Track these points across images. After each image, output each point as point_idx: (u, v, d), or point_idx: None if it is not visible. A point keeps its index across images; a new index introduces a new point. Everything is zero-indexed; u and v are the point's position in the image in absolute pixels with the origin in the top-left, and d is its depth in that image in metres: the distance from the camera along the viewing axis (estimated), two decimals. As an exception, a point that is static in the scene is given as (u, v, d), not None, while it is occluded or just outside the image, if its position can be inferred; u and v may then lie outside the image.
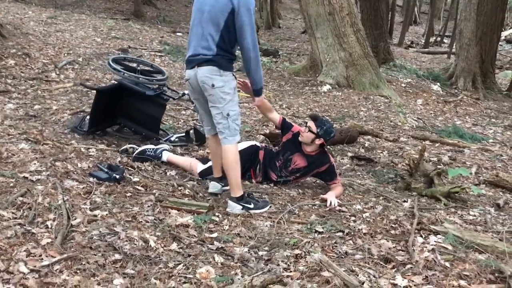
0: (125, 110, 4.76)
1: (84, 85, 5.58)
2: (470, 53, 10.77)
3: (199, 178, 3.96)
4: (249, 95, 4.30)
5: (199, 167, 4.01)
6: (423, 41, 20.60)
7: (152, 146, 4.26)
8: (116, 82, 4.79)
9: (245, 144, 4.12)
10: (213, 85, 3.27)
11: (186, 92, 4.37)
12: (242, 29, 3.21)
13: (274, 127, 4.67)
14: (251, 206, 3.43)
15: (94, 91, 4.90)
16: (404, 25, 20.53)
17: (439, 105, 8.95)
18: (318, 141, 3.91)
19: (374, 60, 9.01)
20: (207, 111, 3.49)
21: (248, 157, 3.98)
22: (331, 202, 3.62)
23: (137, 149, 4.20)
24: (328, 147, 4.11)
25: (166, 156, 4.15)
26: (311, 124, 3.91)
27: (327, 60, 8.73)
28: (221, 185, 3.69)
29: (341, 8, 8.43)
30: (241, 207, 3.40)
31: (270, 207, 3.52)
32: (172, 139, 4.76)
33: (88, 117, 4.65)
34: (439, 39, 22.18)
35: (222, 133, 3.38)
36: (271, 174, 4.05)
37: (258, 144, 4.22)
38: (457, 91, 10.47)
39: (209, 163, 3.97)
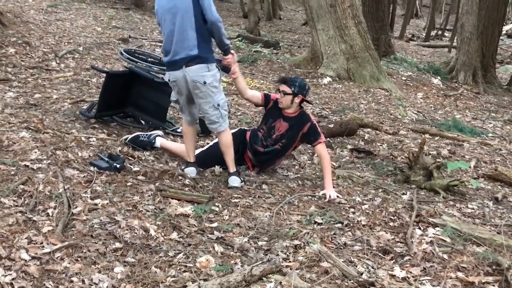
0: (133, 99, 4.82)
1: (95, 67, 5.61)
2: (471, 47, 10.74)
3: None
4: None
5: None
6: (424, 34, 20.52)
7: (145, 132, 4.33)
8: (126, 69, 4.84)
9: (233, 130, 4.21)
10: (205, 83, 3.50)
11: None
12: (205, 6, 3.42)
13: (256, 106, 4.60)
14: (242, 179, 3.79)
15: (96, 83, 4.90)
16: (405, 18, 20.46)
17: (439, 99, 8.95)
18: (297, 99, 3.89)
19: (375, 52, 8.98)
20: (189, 104, 3.72)
21: (237, 140, 4.01)
22: (330, 196, 3.64)
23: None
24: (319, 127, 4.06)
25: (159, 141, 4.20)
26: (283, 87, 3.90)
27: (328, 52, 8.71)
28: (197, 169, 3.83)
29: (342, 0, 8.40)
30: (240, 180, 3.72)
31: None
32: (179, 130, 4.79)
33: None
34: (440, 32, 22.09)
35: (216, 122, 3.65)
36: (257, 148, 4.03)
37: (246, 128, 4.32)
38: (458, 85, 10.46)
39: (199, 149, 4.08)
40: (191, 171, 3.78)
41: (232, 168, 3.76)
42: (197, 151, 4.04)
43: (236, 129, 4.24)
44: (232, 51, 3.75)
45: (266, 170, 4.14)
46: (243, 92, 4.02)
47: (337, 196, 3.64)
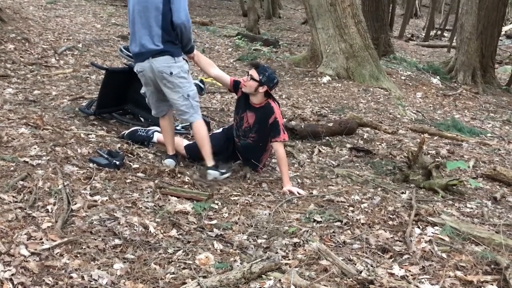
0: (133, 96, 4.82)
1: (94, 64, 5.60)
2: (470, 47, 10.75)
3: (186, 156, 4.05)
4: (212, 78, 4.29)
5: (184, 142, 4.11)
6: (424, 34, 20.53)
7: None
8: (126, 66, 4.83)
9: (220, 129, 4.34)
10: (171, 73, 3.57)
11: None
12: (174, 7, 3.46)
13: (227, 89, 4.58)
14: (224, 170, 3.76)
15: (96, 80, 4.89)
16: (404, 17, 20.46)
17: (438, 99, 8.96)
18: (261, 89, 3.82)
19: (375, 52, 8.98)
20: (157, 97, 3.80)
21: (224, 138, 4.11)
22: (291, 191, 3.67)
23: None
24: (275, 99, 4.00)
25: (156, 136, 4.21)
26: (252, 72, 3.82)
27: (328, 51, 8.71)
28: (176, 160, 3.89)
29: (342, -1, 8.40)
30: (219, 173, 3.70)
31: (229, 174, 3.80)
32: (178, 128, 4.79)
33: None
34: (439, 32, 22.12)
35: (187, 113, 3.71)
36: (234, 139, 4.07)
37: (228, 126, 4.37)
38: (457, 85, 10.47)
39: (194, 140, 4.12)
40: (170, 163, 3.82)
41: (209, 162, 3.73)
42: (192, 141, 4.10)
43: (220, 129, 4.29)
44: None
45: (258, 170, 4.10)
46: (207, 69, 3.97)
47: (298, 192, 3.65)
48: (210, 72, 3.98)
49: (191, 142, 4.13)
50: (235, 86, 4.00)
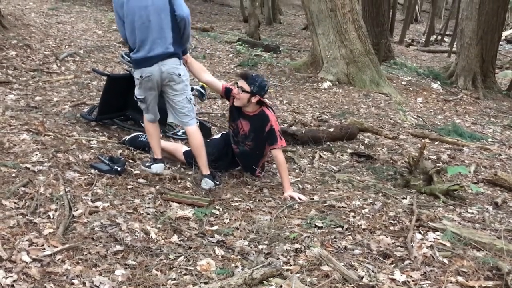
0: (134, 102, 4.81)
1: (96, 70, 5.62)
2: (470, 52, 10.76)
3: (184, 162, 4.03)
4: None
5: (184, 148, 4.10)
6: (424, 39, 20.57)
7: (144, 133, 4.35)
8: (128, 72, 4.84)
9: (218, 134, 4.34)
10: (179, 74, 3.60)
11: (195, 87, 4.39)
12: (177, 2, 3.50)
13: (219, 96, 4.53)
14: (218, 182, 3.77)
15: (97, 86, 4.90)
16: (405, 23, 20.50)
17: (439, 104, 8.96)
18: (254, 99, 3.80)
19: (375, 57, 9.00)
20: (155, 103, 3.76)
21: (222, 143, 4.10)
22: (292, 196, 3.67)
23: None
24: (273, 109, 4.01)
25: None
26: (242, 84, 3.79)
27: (328, 56, 8.73)
28: (165, 164, 3.85)
29: (343, 4, 8.42)
30: (213, 183, 3.69)
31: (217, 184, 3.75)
32: (179, 133, 4.80)
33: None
34: (439, 37, 22.16)
35: (188, 116, 3.72)
36: (232, 146, 4.07)
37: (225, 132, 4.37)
38: (457, 90, 10.47)
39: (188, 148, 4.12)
40: (159, 167, 3.74)
41: (205, 170, 3.71)
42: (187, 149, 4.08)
43: (219, 135, 4.28)
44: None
45: (257, 174, 4.11)
46: (199, 74, 3.93)
47: (299, 198, 3.65)
48: (202, 77, 3.95)
49: (190, 148, 4.12)
50: (227, 93, 3.97)
